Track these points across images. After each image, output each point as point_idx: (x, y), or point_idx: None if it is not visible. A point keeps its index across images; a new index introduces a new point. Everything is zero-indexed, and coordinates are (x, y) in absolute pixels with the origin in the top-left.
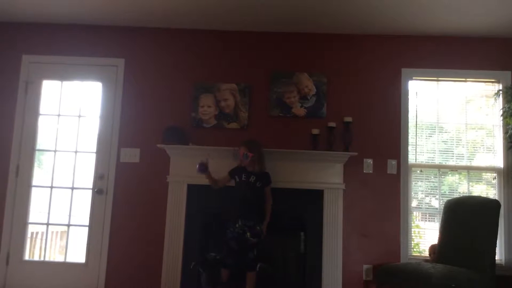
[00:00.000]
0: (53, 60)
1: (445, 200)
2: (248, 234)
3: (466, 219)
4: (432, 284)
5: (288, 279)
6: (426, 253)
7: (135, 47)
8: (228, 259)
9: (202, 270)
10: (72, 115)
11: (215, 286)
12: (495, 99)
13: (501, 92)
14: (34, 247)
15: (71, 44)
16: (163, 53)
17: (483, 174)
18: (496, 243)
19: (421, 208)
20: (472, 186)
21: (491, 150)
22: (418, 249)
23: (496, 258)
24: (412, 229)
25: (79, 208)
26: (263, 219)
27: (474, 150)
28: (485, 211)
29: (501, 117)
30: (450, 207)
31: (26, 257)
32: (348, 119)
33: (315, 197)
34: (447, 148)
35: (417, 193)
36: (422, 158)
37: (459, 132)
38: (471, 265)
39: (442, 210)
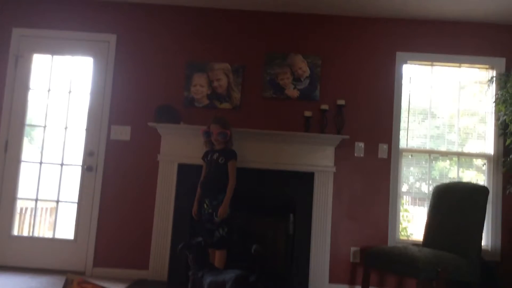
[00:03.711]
0: (44, 34)
1: (435, 186)
2: (214, 213)
3: (454, 205)
4: (418, 268)
5: (277, 260)
6: (414, 237)
7: (127, 23)
8: (208, 239)
9: (188, 253)
10: (62, 91)
11: (203, 267)
12: (489, 86)
13: (494, 78)
14: (23, 223)
15: (62, 18)
16: (156, 30)
17: (474, 160)
18: (483, 229)
19: (411, 192)
20: (462, 172)
21: (483, 137)
22: (406, 233)
23: (482, 244)
24: (401, 213)
25: (68, 184)
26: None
27: (466, 136)
28: (473, 197)
29: (494, 104)
30: (439, 192)
31: (15, 233)
32: (341, 102)
33: (306, 180)
34: (439, 134)
35: (407, 177)
36: (413, 143)
37: (451, 118)
38: (457, 250)
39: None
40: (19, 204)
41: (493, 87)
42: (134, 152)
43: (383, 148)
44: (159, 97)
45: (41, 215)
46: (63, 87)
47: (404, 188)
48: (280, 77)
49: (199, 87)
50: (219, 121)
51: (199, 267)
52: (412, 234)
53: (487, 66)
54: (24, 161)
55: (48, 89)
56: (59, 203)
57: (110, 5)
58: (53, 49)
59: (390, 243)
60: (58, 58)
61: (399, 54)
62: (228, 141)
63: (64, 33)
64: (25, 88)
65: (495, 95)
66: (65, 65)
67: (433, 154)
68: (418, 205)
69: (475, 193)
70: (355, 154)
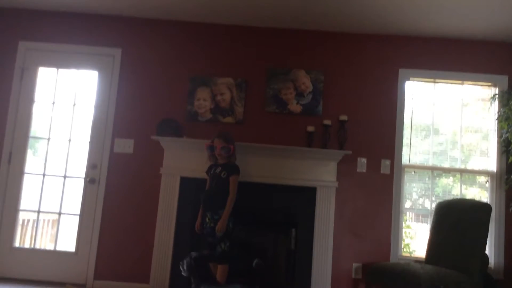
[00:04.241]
0: (49, 47)
1: (438, 202)
2: (216, 228)
3: (457, 222)
4: (420, 285)
5: (278, 275)
6: (416, 254)
7: (132, 37)
8: (210, 253)
9: (185, 269)
10: (67, 103)
11: (203, 281)
12: (491, 103)
13: (497, 96)
14: (25, 235)
15: (68, 32)
16: (161, 45)
17: (477, 177)
18: (485, 247)
19: (413, 209)
20: (465, 189)
21: (486, 154)
22: (408, 250)
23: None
24: (403, 230)
25: (70, 197)
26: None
27: (469, 153)
28: (476, 214)
29: (496, 121)
30: (441, 209)
31: (17, 244)
32: (344, 117)
33: (308, 194)
34: (442, 150)
35: (410, 194)
36: (416, 159)
37: (454, 135)
38: (460, 267)
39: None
40: (21, 216)
41: (496, 104)
42: (137, 165)
43: (385, 164)
44: (163, 111)
45: (43, 227)
46: (68, 100)
47: (407, 204)
48: (283, 92)
49: (203, 101)
50: (223, 135)
51: (200, 282)
52: (414, 251)
53: (489, 84)
54: (28, 173)
55: (52, 102)
56: (61, 215)
57: (116, 20)
58: (59, 63)
59: (393, 259)
60: (63, 72)
61: (402, 71)
62: (232, 156)
63: (70, 46)
64: (30, 100)
65: (498, 112)
66: (70, 78)
67: (436, 171)
68: (421, 222)
69: (478, 210)
70: (358, 170)
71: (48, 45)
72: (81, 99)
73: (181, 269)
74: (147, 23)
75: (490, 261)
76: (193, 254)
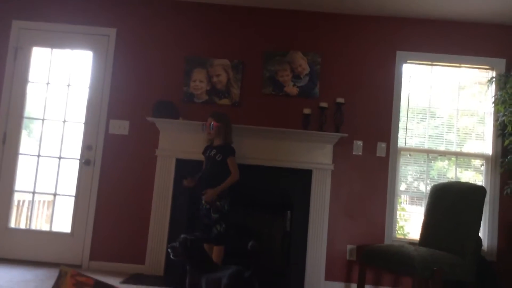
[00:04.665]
0: (43, 27)
1: (432, 185)
2: (211, 210)
3: (452, 204)
4: (414, 267)
5: (273, 257)
6: (411, 236)
7: (128, 17)
8: (205, 234)
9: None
10: (61, 84)
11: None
12: (488, 86)
13: (494, 79)
14: (20, 215)
15: (63, 11)
16: (156, 25)
17: (472, 160)
18: (479, 229)
19: (408, 191)
20: (460, 172)
21: (481, 137)
22: (402, 232)
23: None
24: (398, 212)
25: (66, 178)
26: (225, 194)
27: (465, 136)
28: (471, 196)
29: (493, 104)
30: (436, 192)
31: (12, 225)
32: (340, 100)
33: (304, 177)
34: (438, 134)
35: (406, 177)
36: (412, 142)
37: (450, 118)
38: (454, 249)
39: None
40: (17, 197)
41: (493, 87)
42: (132, 147)
43: (381, 146)
44: (158, 92)
45: (38, 208)
46: (62, 81)
47: (402, 187)
48: (279, 74)
49: (199, 83)
50: (215, 114)
51: (196, 264)
52: (409, 233)
53: (487, 67)
54: (22, 153)
55: (47, 82)
56: (57, 196)
57: None
58: (53, 42)
59: (387, 241)
60: (57, 52)
61: (399, 53)
62: (226, 136)
63: (64, 26)
64: (24, 81)
65: (495, 95)
66: (64, 58)
67: (431, 154)
68: (416, 205)
69: (473, 193)
70: (354, 152)
71: (42, 24)
72: (75, 80)
73: (170, 251)
74: (142, 3)
75: (484, 243)
76: (185, 236)
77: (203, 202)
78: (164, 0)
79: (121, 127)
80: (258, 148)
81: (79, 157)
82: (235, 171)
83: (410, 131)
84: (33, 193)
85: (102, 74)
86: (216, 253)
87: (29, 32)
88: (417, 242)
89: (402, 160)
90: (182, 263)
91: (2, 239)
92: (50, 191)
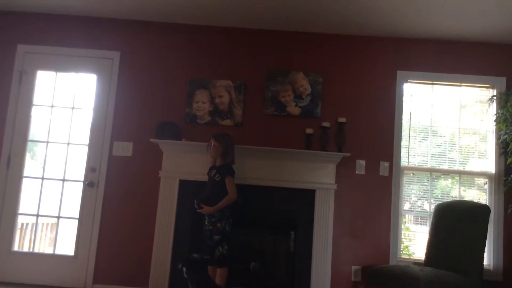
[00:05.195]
0: (48, 50)
1: (436, 204)
2: (213, 231)
3: (456, 223)
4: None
5: (277, 278)
6: (416, 256)
7: (131, 41)
8: (207, 256)
9: (186, 271)
10: (65, 107)
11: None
12: (489, 105)
13: (495, 97)
14: (23, 238)
15: (67, 35)
16: (159, 47)
17: (475, 179)
18: (484, 248)
19: (412, 211)
20: (464, 191)
21: (484, 156)
22: (407, 252)
23: (484, 263)
24: (402, 232)
25: (69, 200)
26: (226, 215)
27: (468, 155)
28: (475, 215)
29: (495, 123)
30: (440, 211)
31: (15, 248)
32: (342, 119)
33: (307, 197)
34: (441, 152)
35: (409, 196)
36: (414, 161)
37: (452, 137)
38: (459, 269)
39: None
40: (20, 220)
41: (494, 106)
42: (136, 168)
43: (384, 166)
44: (161, 113)
45: (41, 231)
46: (67, 103)
47: (406, 206)
48: (281, 95)
49: (201, 104)
50: (216, 135)
51: (198, 285)
52: (413, 253)
53: (487, 85)
54: (26, 176)
55: (51, 105)
56: (60, 219)
57: (114, 23)
58: (57, 66)
59: (392, 262)
60: (62, 75)
61: (400, 73)
62: (225, 157)
63: (68, 50)
64: (28, 104)
65: (496, 114)
66: (68, 81)
67: (434, 173)
68: (420, 224)
69: (477, 212)
70: (356, 172)
71: (46, 48)
72: (80, 102)
73: (182, 268)
74: (145, 26)
75: (489, 263)
76: (193, 256)
77: (206, 223)
78: (167, 23)
79: (124, 148)
80: (261, 168)
81: (82, 179)
82: (232, 191)
83: (413, 150)
84: (37, 216)
85: (106, 96)
86: (219, 275)
87: (33, 56)
88: (423, 261)
89: (405, 179)
90: (186, 285)
91: (5, 263)
92: (54, 213)
